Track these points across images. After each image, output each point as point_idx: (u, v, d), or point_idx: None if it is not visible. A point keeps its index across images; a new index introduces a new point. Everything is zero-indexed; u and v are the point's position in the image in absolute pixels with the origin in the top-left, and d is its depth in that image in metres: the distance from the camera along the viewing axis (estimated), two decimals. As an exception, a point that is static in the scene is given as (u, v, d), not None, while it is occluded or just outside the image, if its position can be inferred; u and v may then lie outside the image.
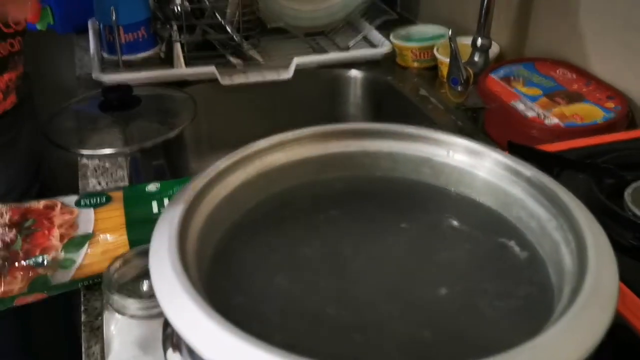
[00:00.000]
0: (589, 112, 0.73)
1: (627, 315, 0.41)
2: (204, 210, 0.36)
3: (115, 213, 0.61)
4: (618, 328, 0.41)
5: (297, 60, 0.95)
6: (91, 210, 0.61)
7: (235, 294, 0.34)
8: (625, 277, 0.43)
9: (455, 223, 0.40)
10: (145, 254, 0.45)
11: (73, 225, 0.59)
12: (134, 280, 0.48)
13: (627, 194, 0.54)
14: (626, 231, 0.50)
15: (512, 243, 0.37)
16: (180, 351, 0.32)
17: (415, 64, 1.01)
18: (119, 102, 0.84)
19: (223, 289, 0.34)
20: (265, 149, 0.41)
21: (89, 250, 0.57)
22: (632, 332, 0.41)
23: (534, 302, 0.33)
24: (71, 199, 0.63)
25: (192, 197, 0.35)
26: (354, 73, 1.02)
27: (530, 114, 0.74)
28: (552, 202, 0.36)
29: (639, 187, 0.54)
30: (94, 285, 0.56)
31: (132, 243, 0.57)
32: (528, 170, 0.38)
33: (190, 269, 0.31)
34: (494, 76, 0.82)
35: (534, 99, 0.76)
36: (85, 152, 0.78)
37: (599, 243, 0.31)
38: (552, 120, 0.72)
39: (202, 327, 0.27)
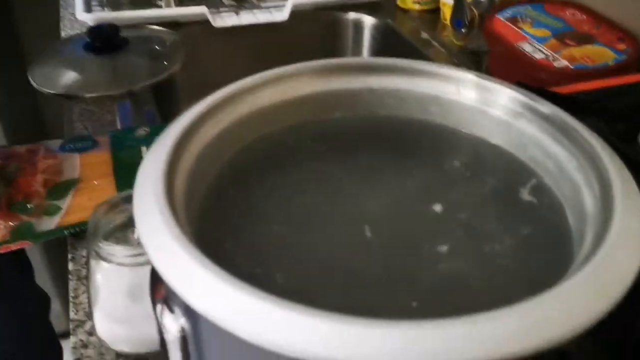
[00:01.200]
0: (600, 54, 0.69)
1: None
2: (193, 149, 0.33)
3: (102, 158, 0.58)
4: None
5: (293, 2, 0.90)
6: (76, 155, 0.58)
7: (227, 240, 0.31)
8: None
9: (465, 166, 0.37)
10: (131, 197, 0.42)
11: (57, 170, 0.56)
12: (121, 227, 0.45)
13: (641, 138, 0.51)
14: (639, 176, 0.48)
15: (526, 185, 0.35)
16: (169, 300, 0.29)
17: (417, 6, 0.97)
18: (105, 43, 0.80)
19: (215, 233, 0.31)
20: (260, 85, 0.37)
21: (74, 196, 0.54)
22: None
23: (552, 248, 0.31)
24: (55, 143, 0.60)
25: (181, 134, 0.32)
26: (353, 16, 0.98)
27: (539, 56, 0.70)
28: (573, 141, 0.33)
29: (653, 131, 0.52)
30: (81, 233, 0.53)
31: (121, 189, 0.55)
32: (545, 107, 0.35)
33: (178, 212, 0.28)
34: (500, 17, 0.78)
35: (542, 40, 0.73)
36: (70, 95, 0.74)
37: (625, 185, 0.29)
38: (562, 63, 0.68)
39: (190, 274, 0.24)
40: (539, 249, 0.31)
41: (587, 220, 0.30)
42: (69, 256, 0.53)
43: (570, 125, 0.33)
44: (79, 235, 0.54)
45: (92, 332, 0.46)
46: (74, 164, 0.57)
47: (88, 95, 0.74)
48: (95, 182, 0.55)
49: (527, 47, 0.72)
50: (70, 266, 0.52)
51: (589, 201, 0.30)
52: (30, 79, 0.76)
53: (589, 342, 0.42)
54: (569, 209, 0.32)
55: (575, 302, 0.23)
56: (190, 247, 0.25)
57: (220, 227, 0.32)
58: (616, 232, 0.26)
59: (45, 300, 0.93)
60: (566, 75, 0.67)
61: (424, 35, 0.91)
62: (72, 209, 0.53)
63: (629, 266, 0.25)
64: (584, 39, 0.72)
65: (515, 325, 0.23)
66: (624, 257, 0.25)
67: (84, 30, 0.82)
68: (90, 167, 0.57)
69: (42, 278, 1.21)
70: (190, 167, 0.32)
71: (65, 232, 0.53)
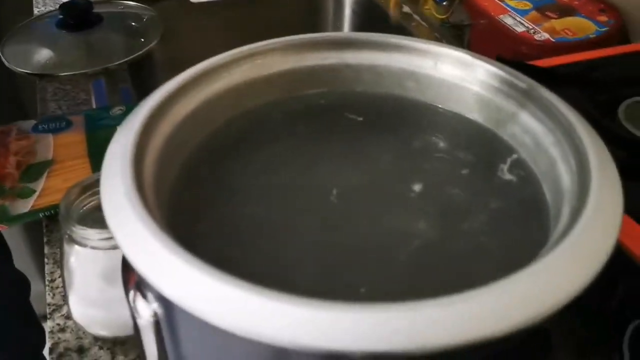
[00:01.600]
0: (581, 26, 0.69)
1: (619, 237, 0.39)
2: (163, 130, 0.32)
3: (76, 138, 0.57)
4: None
5: (271, -25, 0.88)
6: (50, 136, 0.57)
7: (199, 223, 0.31)
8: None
9: (442, 142, 0.36)
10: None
11: (31, 151, 0.55)
12: (96, 209, 0.44)
13: (621, 110, 0.51)
14: (620, 149, 0.47)
15: (504, 161, 0.34)
16: (140, 286, 0.29)
17: (398, -22, 0.95)
18: (79, 19, 0.78)
19: (186, 216, 0.31)
20: (233, 62, 0.36)
21: (48, 178, 0.53)
22: (624, 254, 0.39)
23: (529, 224, 0.30)
24: (28, 124, 0.59)
25: (150, 113, 0.31)
26: (333, -11, 0.96)
27: (520, 29, 0.69)
28: (550, 116, 0.32)
29: (633, 103, 0.52)
30: (56, 215, 0.52)
31: (96, 170, 0.54)
32: (524, 82, 0.34)
33: (147, 196, 0.28)
34: (482, -11, 0.77)
35: (523, 12, 0.72)
36: (43, 74, 0.72)
37: (602, 160, 0.28)
38: (543, 35, 0.68)
39: (161, 261, 0.24)
40: (516, 225, 0.31)
41: (563, 195, 0.29)
42: (45, 239, 0.52)
43: (548, 99, 0.32)
44: (54, 218, 0.53)
45: (69, 316, 0.45)
46: (48, 145, 0.56)
47: (62, 73, 0.72)
48: (70, 163, 0.54)
49: (508, 20, 0.71)
50: (46, 249, 0.51)
51: (566, 177, 0.30)
52: (1, 57, 0.74)
53: (567, 318, 0.42)
54: (546, 185, 0.32)
55: (552, 279, 0.23)
56: (160, 233, 0.25)
57: (192, 209, 0.31)
58: (592, 208, 0.26)
59: (24, 283, 0.92)
60: (547, 48, 0.66)
61: (406, 8, 0.90)
62: (47, 191, 0.52)
63: (605, 241, 0.25)
64: (565, 11, 0.72)
65: (493, 305, 0.22)
66: (600, 233, 0.25)
67: (57, 7, 0.80)
68: (65, 148, 0.56)
69: (24, 260, 1.20)
70: (160, 148, 0.31)
71: (40, 214, 0.52)
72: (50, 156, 0.54)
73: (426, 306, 0.22)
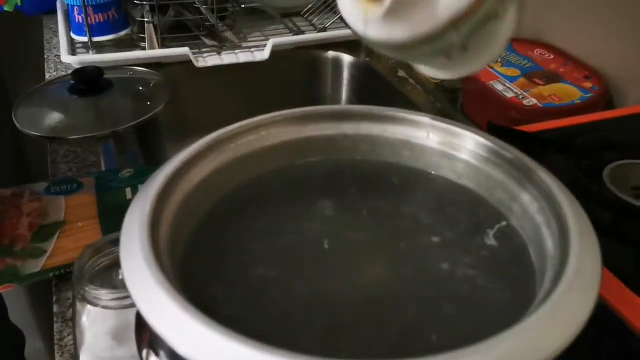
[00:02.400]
0: (567, 92, 0.73)
1: (605, 295, 0.41)
2: (176, 197, 0.34)
3: (86, 200, 0.59)
4: (597, 308, 0.41)
5: (273, 41, 0.93)
6: (61, 198, 0.60)
7: (211, 284, 0.33)
8: (605, 256, 0.43)
9: (435, 206, 0.39)
10: (118, 241, 0.44)
11: (42, 213, 0.58)
12: (106, 269, 0.46)
13: (606, 174, 0.53)
14: (605, 211, 0.50)
15: (494, 226, 0.37)
16: (154, 344, 0.31)
17: (393, 45, 1.00)
18: (89, 85, 0.81)
19: (198, 278, 0.33)
20: (240, 133, 0.39)
21: (59, 239, 0.55)
22: (610, 313, 0.41)
23: (517, 287, 0.33)
24: (40, 186, 0.61)
25: (164, 182, 0.34)
26: (332, 54, 1.01)
27: (509, 94, 0.73)
28: (534, 184, 0.35)
29: (617, 166, 0.54)
30: (66, 275, 0.54)
31: (105, 231, 0.56)
32: (509, 152, 0.37)
33: (163, 257, 0.30)
34: (472, 56, 0.82)
35: (512, 79, 0.76)
36: (54, 136, 0.75)
37: (581, 226, 0.31)
38: (531, 101, 0.71)
39: (175, 319, 0.26)
40: (504, 287, 0.33)
41: (547, 260, 0.32)
42: (54, 298, 0.54)
43: (532, 169, 0.35)
44: (63, 277, 0.55)
45: (77, 374, 0.47)
46: (59, 207, 0.58)
47: (72, 136, 0.75)
48: (80, 224, 0.56)
49: (498, 86, 0.75)
50: (55, 308, 0.53)
51: (549, 242, 0.32)
52: (14, 120, 0.78)
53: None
54: (532, 250, 0.34)
55: (532, 340, 0.25)
56: (174, 293, 0.27)
57: (204, 271, 0.33)
58: (572, 273, 0.28)
59: (19, 338, 0.93)
60: (535, 113, 0.70)
61: (401, 72, 0.94)
62: (57, 251, 0.54)
63: (584, 305, 0.27)
64: (551, 77, 0.76)
65: (479, 364, 0.24)
66: (579, 296, 0.27)
67: (69, 72, 0.84)
68: (75, 210, 0.58)
69: (24, 315, 1.20)
70: (173, 214, 0.34)
71: (50, 274, 0.54)
72: (61, 217, 0.57)
73: (419, 365, 0.24)
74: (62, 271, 0.54)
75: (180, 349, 0.25)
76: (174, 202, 0.34)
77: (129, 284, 0.28)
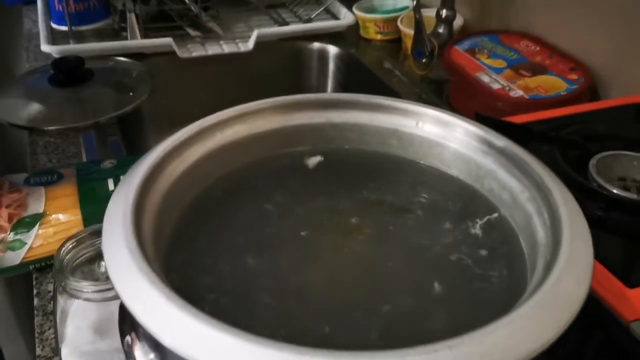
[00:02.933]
0: (553, 84, 0.72)
1: (594, 286, 0.41)
2: (161, 186, 0.34)
3: (67, 191, 0.58)
4: (587, 300, 0.41)
5: (257, 33, 0.92)
6: (42, 189, 0.58)
7: (195, 275, 0.32)
8: (593, 247, 0.43)
9: (425, 196, 0.38)
10: (100, 233, 0.43)
11: (22, 204, 0.56)
12: (88, 262, 0.45)
13: (592, 165, 0.53)
14: (591, 202, 0.50)
15: (484, 216, 0.36)
16: (138, 334, 0.30)
17: (379, 36, 0.99)
18: (70, 75, 0.80)
19: (182, 268, 0.32)
20: (226, 121, 0.38)
21: (40, 231, 0.54)
22: (600, 304, 0.40)
23: (508, 276, 0.32)
24: (20, 177, 0.60)
25: (148, 171, 0.33)
26: (317, 46, 1.00)
27: (495, 86, 0.73)
28: (525, 173, 0.35)
29: (603, 158, 0.54)
30: (47, 268, 0.53)
31: (87, 223, 0.55)
32: (500, 140, 0.37)
33: (146, 247, 0.29)
34: (459, 48, 0.81)
35: (498, 70, 0.75)
36: (34, 127, 0.74)
37: (572, 214, 0.31)
38: (517, 93, 0.71)
39: (160, 310, 0.25)
40: (496, 277, 0.32)
41: (538, 248, 0.31)
42: (35, 291, 0.53)
43: (522, 158, 0.35)
44: (44, 270, 0.54)
45: (58, 368, 0.46)
46: (40, 198, 0.57)
47: (52, 127, 0.74)
48: (61, 216, 0.55)
49: (484, 78, 0.74)
50: (36, 302, 0.52)
51: (541, 231, 0.32)
52: (-7, 111, 0.76)
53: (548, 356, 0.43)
54: (523, 239, 0.34)
55: (525, 330, 0.24)
56: (159, 283, 0.26)
57: (188, 261, 0.33)
58: (563, 261, 0.27)
59: None
60: (522, 105, 0.70)
61: (387, 64, 0.94)
62: (38, 243, 0.53)
63: (576, 293, 0.27)
64: (537, 69, 0.75)
65: (472, 353, 0.24)
66: (571, 285, 0.27)
67: (49, 62, 0.82)
68: (56, 201, 0.57)
69: (5, 313, 1.18)
70: (157, 204, 0.33)
71: (31, 267, 0.52)
72: (41, 209, 0.55)
73: (410, 353, 0.23)
74: (42, 264, 0.53)
75: (165, 340, 0.25)
76: (158, 191, 0.33)
77: (112, 274, 0.27)
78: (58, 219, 0.55)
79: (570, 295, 0.26)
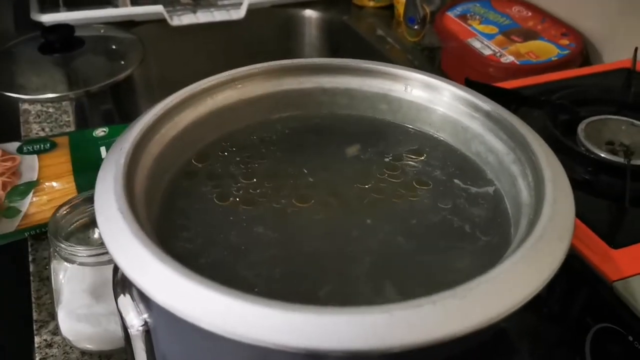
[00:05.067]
0: (544, 49, 0.73)
1: (579, 247, 0.42)
2: (152, 150, 0.34)
3: (61, 159, 0.58)
4: (571, 259, 0.42)
5: (249, 0, 0.91)
6: (35, 157, 0.58)
7: (186, 236, 0.33)
8: (579, 209, 0.43)
9: (412, 160, 0.39)
10: (91, 197, 0.43)
11: (16, 172, 0.57)
12: (83, 227, 0.46)
13: (581, 129, 0.54)
14: (579, 166, 0.51)
15: (470, 178, 0.37)
16: (132, 295, 0.31)
17: (371, 3, 0.99)
18: (61, 43, 0.80)
19: (174, 230, 0.33)
20: (216, 86, 0.39)
21: (34, 198, 0.54)
22: (584, 264, 0.41)
23: (492, 236, 0.33)
24: (13, 146, 0.60)
25: (139, 135, 0.33)
26: (309, 13, 0.99)
27: (487, 52, 0.73)
28: (511, 136, 0.35)
29: (592, 122, 0.55)
30: (42, 235, 0.54)
31: (80, 190, 0.55)
32: (487, 104, 0.37)
33: (138, 210, 0.30)
34: (451, 14, 0.81)
35: (490, 36, 0.75)
36: (26, 97, 0.74)
37: (556, 174, 0.31)
38: (508, 58, 0.71)
39: (151, 269, 0.26)
40: (481, 236, 0.33)
41: (522, 209, 0.32)
42: (30, 257, 0.53)
43: (508, 120, 0.35)
44: (39, 237, 0.54)
45: (56, 332, 0.47)
46: (33, 166, 0.57)
47: (44, 96, 0.74)
48: (55, 184, 0.55)
49: (476, 44, 0.74)
50: (32, 267, 0.53)
51: (525, 192, 0.33)
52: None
53: (532, 322, 0.44)
54: (508, 200, 0.35)
55: (506, 284, 0.25)
56: (150, 244, 0.27)
57: (180, 222, 0.33)
58: (546, 219, 0.28)
59: None
60: (513, 70, 0.70)
61: (379, 32, 0.93)
62: (32, 210, 0.54)
63: (557, 249, 0.27)
64: (529, 35, 0.75)
65: (455, 307, 0.25)
66: (553, 241, 0.28)
67: (39, 31, 0.81)
68: (50, 169, 0.57)
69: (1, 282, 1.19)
70: (149, 167, 0.33)
71: (26, 234, 0.53)
72: (35, 177, 0.56)
73: (395, 308, 0.24)
74: (37, 231, 0.53)
75: (157, 298, 0.25)
76: (150, 155, 0.34)
77: (104, 235, 0.28)
78: (52, 187, 0.55)
79: (552, 250, 0.27)
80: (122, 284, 0.32)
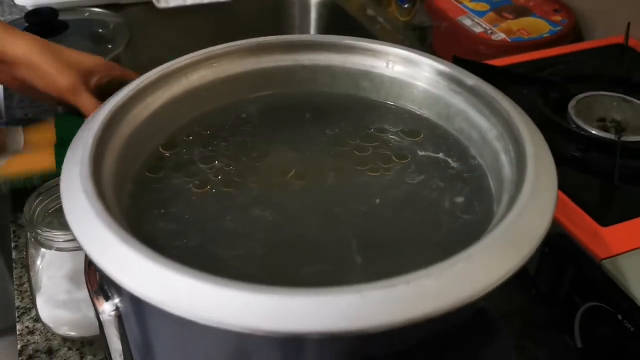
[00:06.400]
0: (536, 26, 0.71)
1: (567, 225, 0.41)
2: (123, 132, 0.33)
3: (45, 134, 0.58)
4: (559, 237, 0.41)
5: (237, -20, 0.90)
6: (20, 129, 0.58)
7: (159, 220, 0.32)
8: (568, 187, 0.43)
9: (395, 137, 0.38)
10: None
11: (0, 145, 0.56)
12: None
13: (571, 106, 0.53)
14: (570, 143, 0.50)
15: (452, 154, 0.36)
16: (103, 280, 0.30)
17: (361, -18, 0.97)
18: (44, 27, 0.78)
19: (146, 215, 0.32)
20: (191, 65, 0.37)
21: (13, 158, 0.54)
22: (573, 243, 0.41)
23: (475, 213, 0.32)
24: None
25: (109, 115, 0.32)
26: (299, -7, 0.98)
27: (478, 29, 0.72)
28: (493, 111, 0.34)
29: (583, 99, 0.54)
30: (22, 191, 0.52)
31: (58, 165, 0.54)
32: (469, 78, 0.36)
33: (106, 193, 0.29)
34: (441, -9, 0.79)
35: (481, 14, 0.74)
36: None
37: (538, 150, 0.30)
38: (499, 36, 0.70)
39: (114, 251, 0.25)
40: (463, 214, 0.32)
41: (504, 185, 0.31)
42: (12, 244, 0.53)
43: (491, 95, 0.34)
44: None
45: (37, 319, 0.46)
46: (18, 139, 0.57)
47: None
48: (37, 155, 0.55)
49: (466, 22, 0.73)
50: (14, 254, 0.52)
51: (507, 167, 0.32)
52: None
53: (520, 302, 0.44)
54: (491, 176, 0.34)
55: (483, 263, 0.24)
56: (115, 225, 0.26)
57: (151, 206, 0.32)
58: (526, 195, 0.27)
59: None
60: (504, 48, 0.68)
61: (370, 11, 0.92)
62: (12, 163, 0.53)
63: (538, 227, 0.26)
64: (521, 11, 0.74)
65: (433, 285, 0.24)
66: (533, 217, 0.27)
67: (22, 15, 0.80)
68: (34, 143, 0.56)
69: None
70: (119, 149, 0.32)
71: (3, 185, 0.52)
72: (20, 149, 0.55)
73: (367, 289, 0.23)
74: (17, 184, 0.52)
75: (127, 285, 0.24)
76: (120, 136, 0.33)
77: (68, 215, 0.27)
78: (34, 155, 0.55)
79: (532, 227, 0.26)
80: (92, 269, 0.31)
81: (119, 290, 0.29)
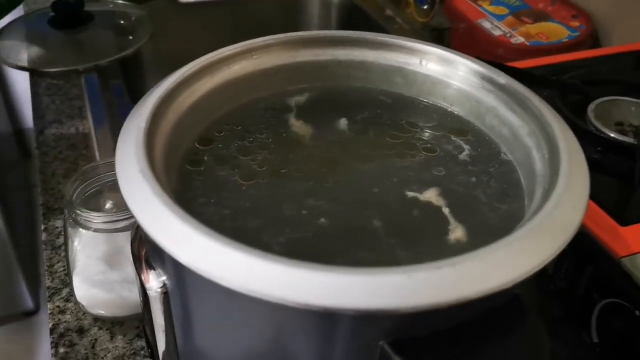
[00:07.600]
0: (555, 30, 0.73)
1: (587, 223, 0.42)
2: (170, 117, 0.34)
3: None
4: (578, 235, 0.43)
5: (258, -23, 0.91)
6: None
7: (205, 205, 0.33)
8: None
9: (426, 133, 0.39)
10: (103, 167, 0.44)
11: None
12: (94, 197, 0.46)
13: (590, 109, 0.54)
14: (589, 145, 0.51)
15: (484, 150, 0.37)
16: (151, 258, 0.31)
17: (380, -17, 0.98)
18: (70, 17, 0.79)
19: (193, 199, 0.33)
20: (233, 56, 0.39)
21: None
22: (592, 241, 0.42)
23: (507, 204, 0.33)
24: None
25: (159, 101, 0.33)
26: (318, -8, 0.99)
27: (497, 33, 0.73)
28: (525, 109, 0.35)
29: (602, 102, 0.55)
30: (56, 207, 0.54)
31: None
32: (502, 77, 0.37)
33: (159, 175, 0.30)
34: (461, -6, 0.81)
35: (500, 17, 0.75)
36: (35, 69, 0.74)
37: (571, 146, 0.32)
38: (518, 39, 0.71)
39: (174, 229, 0.26)
40: (496, 206, 0.33)
41: (536, 180, 0.32)
42: (42, 227, 0.54)
43: (523, 94, 0.36)
44: (51, 208, 0.55)
45: (69, 299, 0.47)
46: None
47: (53, 69, 0.74)
48: None
49: (486, 24, 0.74)
50: (44, 236, 0.53)
51: (539, 163, 0.33)
52: (-6, 53, 0.76)
53: (541, 297, 0.45)
54: (522, 171, 0.35)
55: (523, 250, 0.26)
56: (172, 204, 0.27)
57: (198, 192, 0.34)
58: (561, 188, 0.29)
59: None
60: (523, 52, 0.70)
61: (388, 12, 0.93)
62: None
63: (572, 219, 0.28)
64: (539, 16, 0.75)
65: (473, 271, 0.25)
66: (567, 211, 0.28)
67: (48, 5, 0.81)
68: None
69: (9, 261, 1.20)
70: (167, 134, 0.34)
71: None
72: None
73: (414, 270, 0.25)
74: None
75: (181, 257, 0.26)
76: (168, 122, 0.34)
77: (126, 195, 0.28)
78: None
79: (566, 219, 0.28)
80: (140, 246, 0.32)
81: (168, 267, 0.30)
